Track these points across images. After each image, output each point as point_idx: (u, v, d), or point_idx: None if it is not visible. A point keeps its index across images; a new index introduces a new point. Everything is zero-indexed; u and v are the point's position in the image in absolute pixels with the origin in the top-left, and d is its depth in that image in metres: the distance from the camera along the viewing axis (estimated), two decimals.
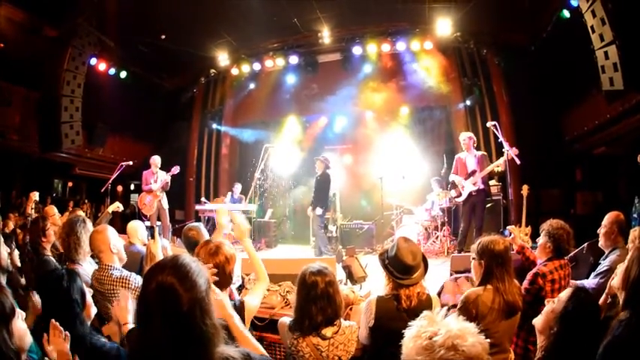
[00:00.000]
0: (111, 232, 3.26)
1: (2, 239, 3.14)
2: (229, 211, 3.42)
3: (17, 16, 8.11)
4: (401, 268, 2.71)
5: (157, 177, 8.44)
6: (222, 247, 2.61)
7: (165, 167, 8.58)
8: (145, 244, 4.11)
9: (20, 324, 2.08)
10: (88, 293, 2.44)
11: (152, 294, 1.34)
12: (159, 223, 8.46)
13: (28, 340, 2.08)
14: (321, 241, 8.16)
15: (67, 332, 2.09)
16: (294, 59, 11.03)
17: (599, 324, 2.05)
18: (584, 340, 1.97)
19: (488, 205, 8.02)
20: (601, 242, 3.90)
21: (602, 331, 2.01)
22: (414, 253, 2.76)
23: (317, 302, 2.52)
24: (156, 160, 8.58)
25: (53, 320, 2.11)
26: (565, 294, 2.13)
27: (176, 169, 8.52)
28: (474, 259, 3.03)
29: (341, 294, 2.67)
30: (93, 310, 2.49)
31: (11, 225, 6.35)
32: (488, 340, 1.33)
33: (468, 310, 2.71)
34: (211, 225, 8.34)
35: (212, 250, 2.56)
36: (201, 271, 1.44)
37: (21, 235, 5.31)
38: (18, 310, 2.08)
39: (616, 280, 2.28)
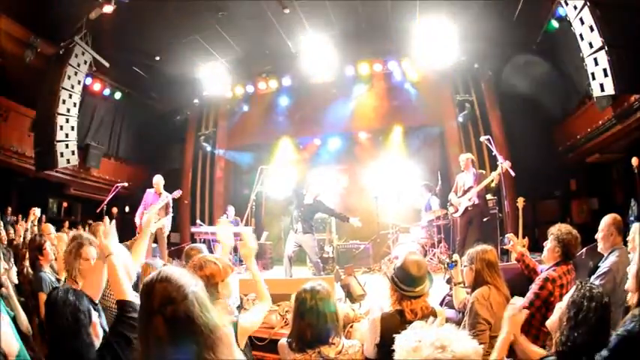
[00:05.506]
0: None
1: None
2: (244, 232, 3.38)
3: (15, 30, 8.14)
4: (406, 278, 2.79)
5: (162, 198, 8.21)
6: (208, 261, 2.64)
7: None
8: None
9: (5, 328, 2.05)
10: (95, 313, 2.36)
11: (151, 302, 1.46)
12: (154, 245, 8.25)
13: (15, 344, 2.10)
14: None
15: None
16: (287, 81, 11.11)
17: (605, 307, 2.12)
18: (594, 325, 2.06)
19: (485, 219, 8.02)
20: (600, 246, 3.90)
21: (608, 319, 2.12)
22: (420, 265, 2.84)
23: (305, 318, 2.54)
24: (159, 179, 8.33)
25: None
26: (569, 292, 2.24)
27: (178, 193, 8.24)
28: (465, 266, 3.31)
29: (338, 311, 2.66)
30: (99, 331, 2.36)
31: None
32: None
33: (484, 304, 2.97)
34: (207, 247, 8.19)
35: (197, 264, 2.59)
36: (184, 272, 1.57)
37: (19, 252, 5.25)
38: (5, 315, 2.07)
39: (629, 284, 2.43)
